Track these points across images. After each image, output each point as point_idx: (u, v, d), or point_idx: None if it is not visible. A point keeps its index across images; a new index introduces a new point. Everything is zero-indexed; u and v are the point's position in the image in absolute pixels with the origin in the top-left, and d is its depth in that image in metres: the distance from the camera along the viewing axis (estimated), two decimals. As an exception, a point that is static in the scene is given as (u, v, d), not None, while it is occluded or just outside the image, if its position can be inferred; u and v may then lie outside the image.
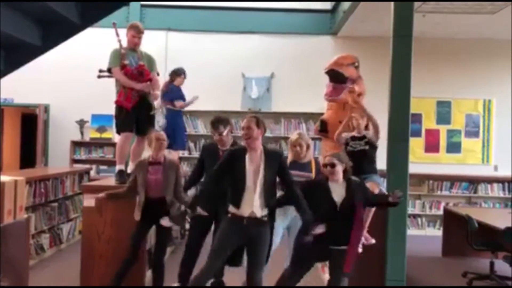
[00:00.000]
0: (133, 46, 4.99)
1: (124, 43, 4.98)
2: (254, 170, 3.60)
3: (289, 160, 4.32)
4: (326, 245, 3.62)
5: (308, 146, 4.34)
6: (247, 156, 3.63)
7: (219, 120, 4.47)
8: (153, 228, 4.39)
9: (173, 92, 6.18)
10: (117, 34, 4.97)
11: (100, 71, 5.11)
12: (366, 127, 4.71)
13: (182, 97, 6.25)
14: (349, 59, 5.49)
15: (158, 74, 5.28)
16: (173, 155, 5.91)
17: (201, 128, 8.12)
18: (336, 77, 5.41)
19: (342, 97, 5.35)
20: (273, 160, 3.66)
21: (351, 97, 4.94)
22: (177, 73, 6.26)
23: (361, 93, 5.48)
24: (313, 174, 4.25)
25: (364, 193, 3.74)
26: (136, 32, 4.97)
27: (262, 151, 3.67)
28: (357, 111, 4.72)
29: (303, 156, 4.31)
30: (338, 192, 3.65)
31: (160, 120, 5.90)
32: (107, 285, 4.21)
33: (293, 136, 4.39)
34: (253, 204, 3.56)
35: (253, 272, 3.60)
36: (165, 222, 4.17)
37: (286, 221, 4.27)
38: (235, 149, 3.85)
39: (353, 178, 3.82)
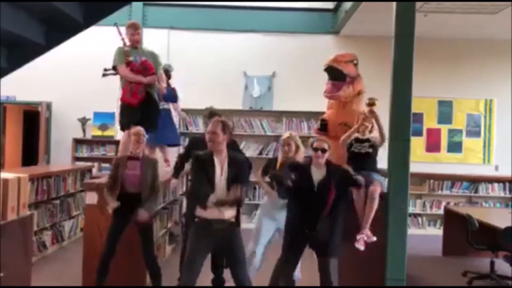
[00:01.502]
0: (135, 44, 5.03)
1: (127, 42, 5.02)
2: (221, 171, 3.58)
3: (279, 159, 4.48)
4: (307, 231, 3.76)
5: (297, 147, 4.45)
6: (215, 159, 3.60)
7: (213, 113, 4.54)
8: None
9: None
10: (120, 33, 5.00)
11: (105, 70, 5.12)
12: (370, 131, 4.77)
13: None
14: (347, 57, 5.50)
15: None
16: (156, 153, 6.06)
17: (202, 126, 8.12)
18: (334, 74, 5.42)
19: (341, 94, 5.36)
20: (236, 165, 3.64)
21: (366, 108, 4.94)
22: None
23: (360, 91, 5.50)
24: None
25: (342, 175, 3.87)
26: (133, 30, 5.01)
27: (226, 156, 3.65)
28: (369, 120, 4.77)
29: (291, 155, 4.42)
30: (318, 174, 3.79)
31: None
32: (106, 284, 4.21)
33: (284, 135, 4.55)
34: (221, 196, 3.53)
35: (238, 274, 3.60)
36: (141, 215, 4.07)
37: (276, 223, 4.33)
38: (203, 153, 3.73)
39: (334, 163, 3.97)
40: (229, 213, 3.61)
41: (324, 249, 3.78)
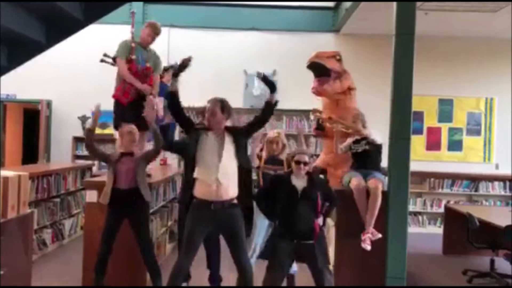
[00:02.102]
0: (145, 44, 5.00)
1: (139, 38, 5.01)
2: (219, 146, 3.63)
3: (265, 156, 4.54)
4: (293, 240, 3.65)
5: (283, 146, 4.55)
6: (208, 135, 3.67)
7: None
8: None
9: (161, 90, 6.23)
10: (132, 25, 4.97)
11: (105, 55, 5.07)
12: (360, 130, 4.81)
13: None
14: (329, 53, 5.52)
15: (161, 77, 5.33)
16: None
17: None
18: (318, 70, 5.42)
19: (327, 88, 5.37)
20: (236, 133, 3.74)
21: (328, 122, 5.10)
22: (165, 69, 6.30)
23: (350, 87, 5.50)
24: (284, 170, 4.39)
25: (322, 187, 3.87)
26: (152, 32, 4.98)
27: (225, 130, 3.72)
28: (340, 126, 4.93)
29: (276, 153, 4.51)
30: (299, 183, 3.76)
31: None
32: (106, 283, 4.20)
33: (272, 133, 4.60)
34: (218, 172, 3.56)
35: (239, 257, 3.63)
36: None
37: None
38: (197, 128, 3.87)
39: (315, 175, 3.99)
40: (229, 193, 3.61)
41: (321, 259, 3.64)
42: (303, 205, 3.66)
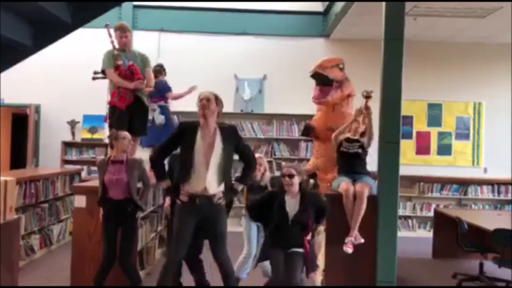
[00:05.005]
0: (123, 47, 5.00)
1: (117, 44, 5.01)
2: (208, 145, 3.59)
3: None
4: (284, 250, 3.75)
5: (265, 169, 4.52)
6: (198, 132, 3.62)
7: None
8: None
9: (162, 87, 6.24)
10: (110, 35, 4.98)
11: (95, 73, 5.13)
12: (363, 134, 4.78)
13: (170, 89, 6.36)
14: (333, 61, 5.54)
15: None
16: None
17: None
18: (321, 79, 5.45)
19: (328, 99, 5.40)
20: (229, 135, 3.68)
21: (363, 102, 4.90)
22: (159, 71, 6.36)
23: (350, 94, 5.53)
24: None
25: (317, 204, 3.89)
26: (121, 32, 4.98)
27: (217, 128, 3.67)
28: (364, 117, 4.74)
29: (258, 180, 4.45)
30: (292, 205, 3.79)
31: (159, 118, 5.98)
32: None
33: None
34: (205, 180, 3.55)
35: (217, 251, 3.66)
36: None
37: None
38: (186, 122, 3.84)
39: (308, 191, 4.06)
40: (214, 189, 3.60)
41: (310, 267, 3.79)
42: (293, 229, 3.74)
